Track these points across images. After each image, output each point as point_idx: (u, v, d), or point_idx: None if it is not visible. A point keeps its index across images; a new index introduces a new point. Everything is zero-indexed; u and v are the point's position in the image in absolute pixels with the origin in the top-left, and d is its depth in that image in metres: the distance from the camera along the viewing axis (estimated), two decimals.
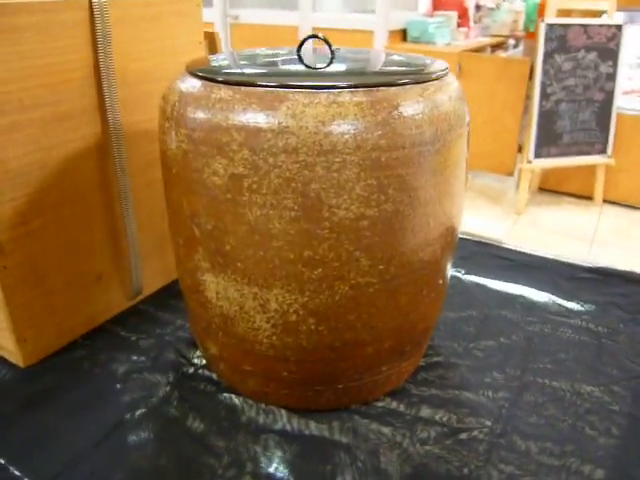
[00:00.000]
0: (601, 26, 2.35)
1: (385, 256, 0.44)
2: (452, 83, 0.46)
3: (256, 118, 0.39)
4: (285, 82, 0.41)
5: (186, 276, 0.49)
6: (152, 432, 0.49)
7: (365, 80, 0.42)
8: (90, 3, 0.53)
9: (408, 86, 0.42)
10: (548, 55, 2.43)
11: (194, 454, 0.47)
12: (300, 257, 0.42)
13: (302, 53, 0.50)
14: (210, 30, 0.69)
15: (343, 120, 0.39)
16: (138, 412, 0.51)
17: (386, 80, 0.42)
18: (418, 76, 0.44)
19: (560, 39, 2.40)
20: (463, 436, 0.49)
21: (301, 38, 0.48)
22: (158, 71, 0.62)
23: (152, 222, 0.66)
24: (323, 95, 0.40)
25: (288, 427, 0.50)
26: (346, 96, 0.40)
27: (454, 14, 3.24)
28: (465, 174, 0.49)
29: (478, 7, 3.39)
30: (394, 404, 0.52)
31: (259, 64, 0.53)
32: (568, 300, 0.69)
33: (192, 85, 0.43)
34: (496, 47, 3.33)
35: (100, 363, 0.58)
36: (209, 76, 0.43)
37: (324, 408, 0.51)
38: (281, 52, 0.55)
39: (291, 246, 0.42)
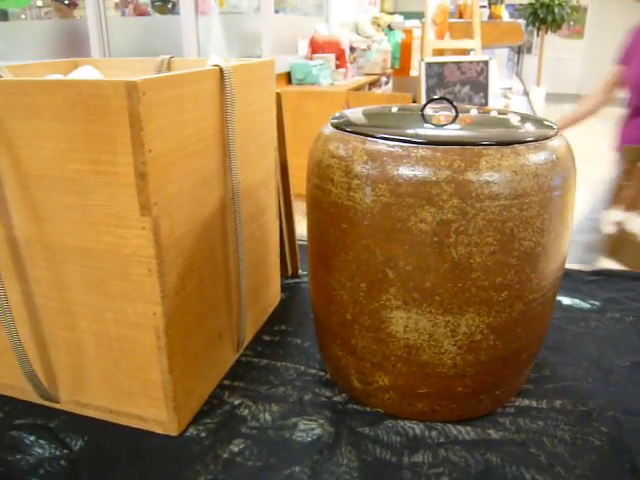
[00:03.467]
0: (471, 62, 2.71)
1: (547, 274, 0.53)
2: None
3: (462, 171, 0.47)
4: (477, 140, 0.49)
5: (364, 317, 0.54)
6: (356, 471, 0.52)
7: (530, 136, 0.52)
8: (221, 72, 0.56)
9: (552, 139, 0.52)
10: (430, 90, 2.74)
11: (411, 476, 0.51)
12: (493, 284, 0.50)
13: (426, 111, 0.59)
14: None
15: (528, 169, 0.48)
16: (324, 453, 0.54)
17: (543, 134, 0.52)
18: (553, 129, 0.54)
19: (439, 76, 2.72)
20: (593, 416, 0.59)
21: None
22: (252, 133, 0.66)
23: (249, 274, 0.68)
24: (507, 149, 0.48)
25: (462, 437, 0.56)
26: (524, 149, 0.49)
27: (332, 56, 3.49)
28: None
29: (352, 49, 3.69)
30: (526, 401, 0.61)
31: (413, 123, 0.59)
32: (592, 299, 0.83)
33: (384, 146, 0.50)
34: (372, 85, 3.63)
35: (249, 418, 0.59)
36: (399, 137, 0.50)
37: (480, 415, 0.58)
38: (408, 110, 0.63)
39: (487, 275, 0.50)
